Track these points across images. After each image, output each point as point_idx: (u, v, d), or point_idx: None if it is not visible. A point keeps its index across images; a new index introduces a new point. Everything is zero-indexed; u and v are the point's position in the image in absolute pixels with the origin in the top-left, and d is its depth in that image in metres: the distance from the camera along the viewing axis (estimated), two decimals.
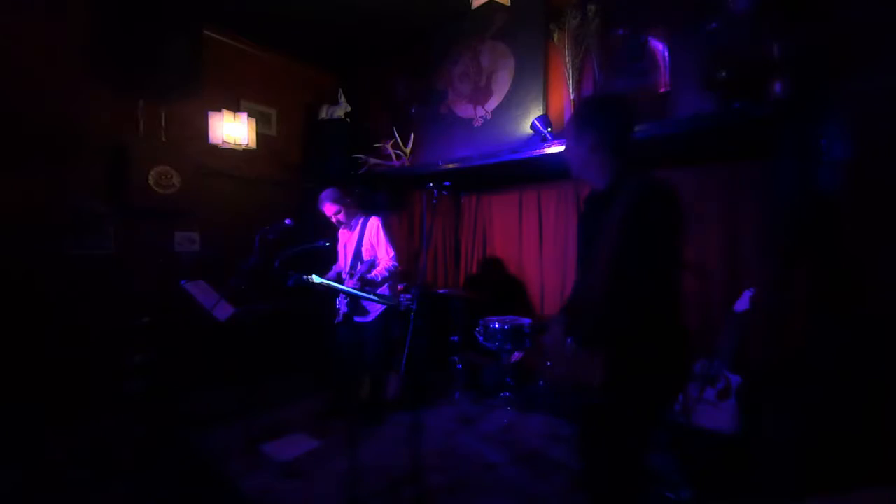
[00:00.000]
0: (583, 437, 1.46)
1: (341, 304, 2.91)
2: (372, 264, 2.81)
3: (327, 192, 2.91)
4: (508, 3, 2.90)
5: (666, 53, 2.49)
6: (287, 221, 2.75)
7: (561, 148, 2.72)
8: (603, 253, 1.27)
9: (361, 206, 3.10)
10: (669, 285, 1.25)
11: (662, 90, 2.50)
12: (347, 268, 2.89)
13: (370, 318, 2.85)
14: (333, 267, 3.08)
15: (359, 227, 2.94)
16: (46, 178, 2.95)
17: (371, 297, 2.26)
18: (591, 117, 1.41)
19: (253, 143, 3.71)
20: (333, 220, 2.92)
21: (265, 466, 2.41)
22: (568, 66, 2.81)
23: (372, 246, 2.88)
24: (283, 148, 4.31)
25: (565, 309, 1.50)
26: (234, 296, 2.51)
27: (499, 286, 3.89)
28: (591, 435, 1.41)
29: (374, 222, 2.91)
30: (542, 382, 3.30)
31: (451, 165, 3.42)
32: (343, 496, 2.07)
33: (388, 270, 2.79)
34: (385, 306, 2.76)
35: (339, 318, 2.91)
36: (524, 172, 3.41)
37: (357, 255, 2.88)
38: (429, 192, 2.13)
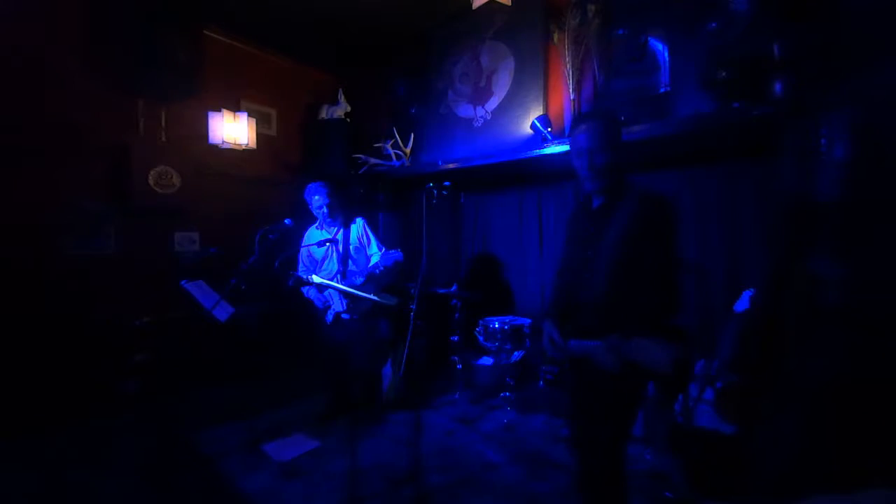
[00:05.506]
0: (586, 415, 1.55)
1: (333, 303, 2.89)
2: (370, 261, 2.87)
3: (321, 183, 2.93)
4: (509, 3, 2.91)
5: (666, 53, 2.49)
6: (287, 221, 2.74)
7: (560, 148, 2.72)
8: (606, 257, 1.38)
9: (342, 207, 3.08)
10: (679, 284, 1.38)
11: (662, 90, 2.50)
12: (338, 269, 2.89)
13: (359, 315, 2.84)
14: (302, 268, 2.98)
15: (342, 229, 2.94)
16: (46, 178, 2.95)
17: (372, 296, 2.26)
18: (619, 132, 1.50)
19: (253, 143, 3.71)
20: (317, 211, 2.91)
21: (265, 466, 2.41)
22: (568, 66, 2.81)
23: (362, 245, 2.94)
24: (283, 148, 4.31)
25: (555, 310, 1.58)
26: (234, 296, 2.51)
27: (499, 286, 3.89)
28: (595, 413, 1.48)
29: (361, 222, 3.00)
30: (541, 383, 3.30)
31: (451, 165, 3.42)
32: (343, 496, 2.07)
33: (394, 260, 2.81)
34: (373, 303, 2.74)
35: (330, 319, 2.91)
36: (524, 172, 3.40)
37: (346, 255, 2.90)
38: (429, 192, 2.12)
